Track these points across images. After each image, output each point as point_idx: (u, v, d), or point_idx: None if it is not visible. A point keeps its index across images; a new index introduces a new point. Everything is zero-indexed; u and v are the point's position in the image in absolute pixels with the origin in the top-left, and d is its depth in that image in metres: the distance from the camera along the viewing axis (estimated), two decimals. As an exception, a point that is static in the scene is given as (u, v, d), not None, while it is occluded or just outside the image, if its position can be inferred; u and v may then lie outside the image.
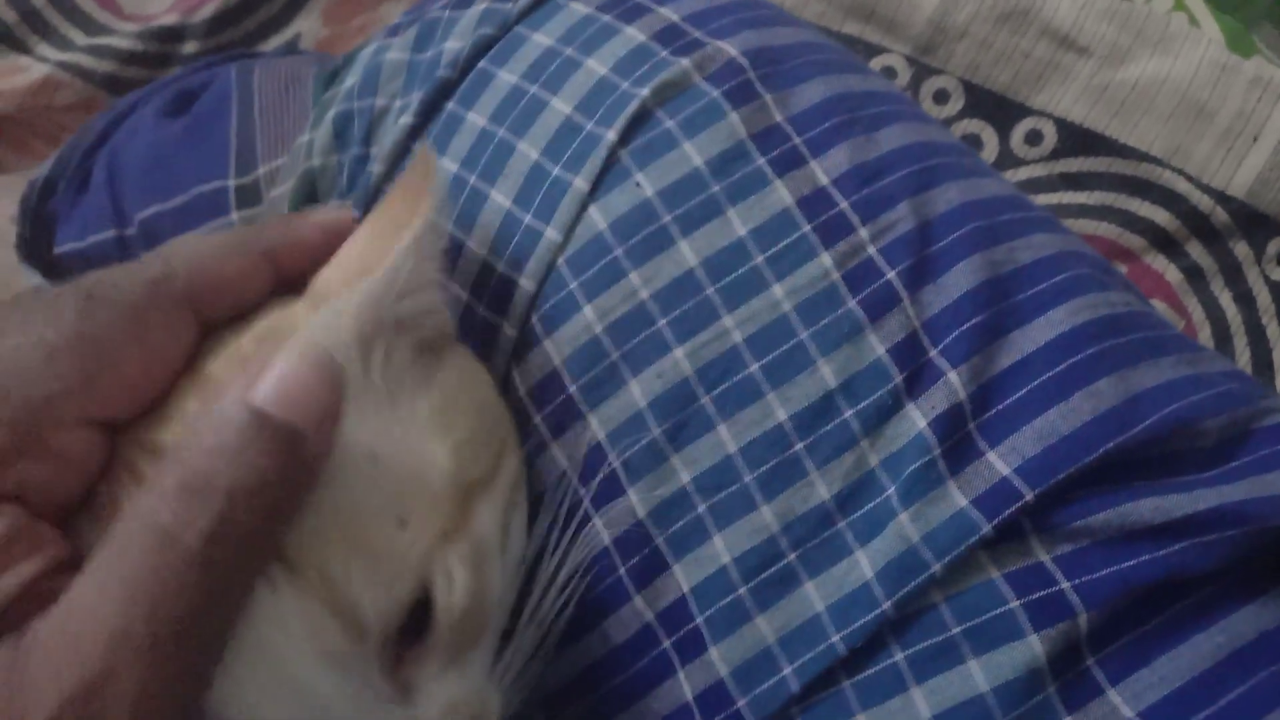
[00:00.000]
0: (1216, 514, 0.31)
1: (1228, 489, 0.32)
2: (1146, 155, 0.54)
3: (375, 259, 0.28)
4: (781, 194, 0.33)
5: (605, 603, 0.33)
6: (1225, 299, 0.54)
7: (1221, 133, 0.54)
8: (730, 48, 0.35)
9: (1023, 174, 0.56)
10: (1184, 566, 0.31)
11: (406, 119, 0.36)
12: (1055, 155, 0.56)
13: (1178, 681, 0.30)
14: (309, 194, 0.38)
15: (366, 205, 0.37)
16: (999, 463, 0.31)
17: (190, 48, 0.59)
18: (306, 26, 0.61)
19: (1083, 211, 0.55)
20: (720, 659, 0.32)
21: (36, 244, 0.44)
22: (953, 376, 0.32)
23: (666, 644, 0.33)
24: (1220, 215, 0.54)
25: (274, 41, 0.61)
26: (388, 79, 0.38)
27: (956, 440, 0.31)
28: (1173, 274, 0.55)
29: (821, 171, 0.34)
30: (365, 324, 0.27)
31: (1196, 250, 0.55)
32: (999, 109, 0.56)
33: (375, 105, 0.38)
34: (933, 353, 0.32)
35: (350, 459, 0.25)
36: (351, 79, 0.39)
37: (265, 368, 0.24)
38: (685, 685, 0.32)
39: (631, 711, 0.33)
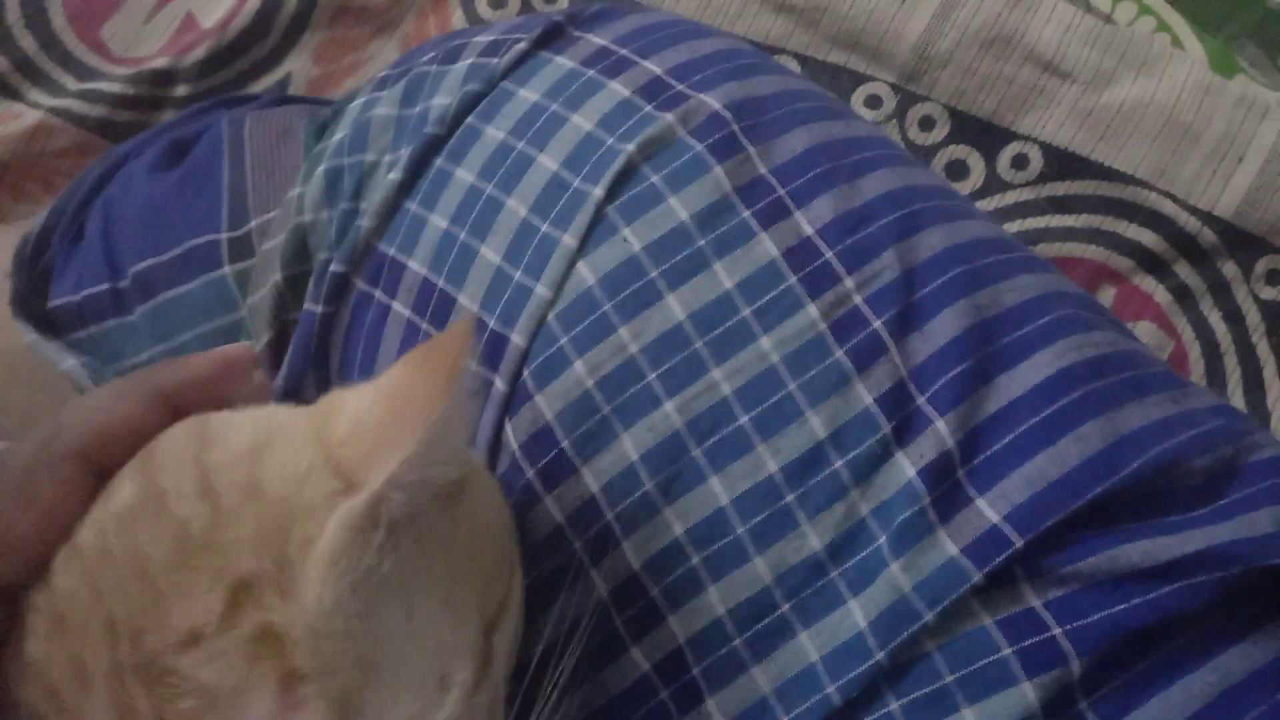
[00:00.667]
0: (1204, 556, 0.31)
1: (1215, 530, 0.32)
2: (1132, 178, 0.55)
3: (399, 421, 0.25)
4: (767, 246, 0.33)
5: (603, 654, 0.34)
6: (1215, 318, 0.55)
7: (1207, 154, 0.54)
8: (713, 101, 0.35)
9: (1010, 198, 0.56)
10: (1174, 608, 0.31)
11: (395, 174, 0.37)
12: (1042, 179, 0.56)
13: None
14: (300, 248, 0.39)
15: (353, 259, 0.37)
16: (988, 510, 0.32)
17: (182, 90, 0.59)
18: (297, 66, 0.61)
19: (1070, 234, 0.56)
20: (717, 710, 0.32)
21: (31, 298, 0.44)
22: (940, 425, 0.32)
23: (664, 694, 0.33)
24: (1207, 236, 0.54)
25: (265, 82, 0.61)
26: (377, 134, 0.38)
27: (946, 489, 0.32)
28: (1161, 295, 0.55)
29: (806, 222, 0.34)
30: (392, 507, 0.24)
31: (1185, 271, 0.55)
32: (985, 135, 0.57)
33: (365, 161, 0.38)
34: (920, 400, 0.33)
35: (391, 621, 0.24)
36: (341, 133, 0.40)
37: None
38: None
39: None
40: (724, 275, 0.33)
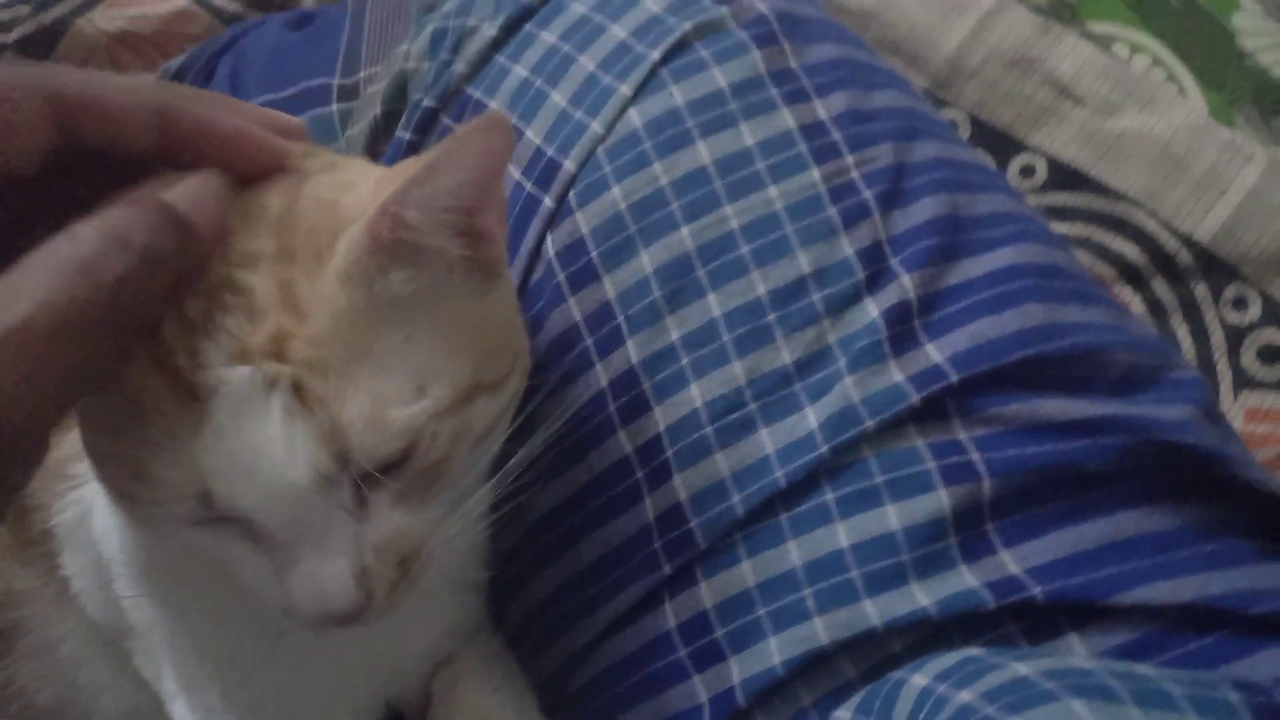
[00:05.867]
0: (1115, 421, 0.37)
1: (1127, 405, 0.38)
2: (1124, 196, 0.61)
3: (417, 164, 0.30)
4: (786, 119, 0.40)
5: (595, 436, 0.39)
6: (1183, 332, 0.60)
7: (1194, 184, 0.60)
8: (761, 5, 0.43)
9: (1014, 199, 0.63)
10: (1080, 459, 0.37)
11: (490, 31, 0.44)
12: (1045, 188, 0.63)
13: (1061, 554, 0.36)
14: (400, 89, 0.46)
15: (444, 98, 0.45)
16: (934, 353, 0.37)
17: (309, 3, 0.68)
18: None
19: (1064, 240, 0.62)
20: (681, 485, 0.38)
21: None
22: (906, 280, 0.38)
23: (639, 474, 0.39)
24: (1185, 257, 0.60)
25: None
26: (481, 4, 0.46)
27: (902, 330, 0.38)
28: (1137, 305, 0.61)
29: (823, 108, 0.41)
30: (403, 228, 0.29)
31: (1161, 287, 0.61)
32: (1000, 143, 0.64)
33: (467, 24, 0.46)
34: (892, 261, 0.39)
35: (388, 334, 0.30)
36: (449, 4, 0.47)
37: (177, 179, 0.29)
38: (649, 508, 0.38)
39: (605, 529, 0.39)
40: (747, 134, 0.40)
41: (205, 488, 0.29)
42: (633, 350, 0.39)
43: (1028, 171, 0.63)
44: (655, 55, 0.41)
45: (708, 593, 0.37)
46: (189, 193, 0.28)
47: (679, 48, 0.41)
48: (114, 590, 0.40)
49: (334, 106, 0.49)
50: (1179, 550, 0.36)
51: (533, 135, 0.42)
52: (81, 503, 0.40)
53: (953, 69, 0.64)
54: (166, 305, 0.28)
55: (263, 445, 0.29)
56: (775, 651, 0.35)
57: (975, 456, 0.36)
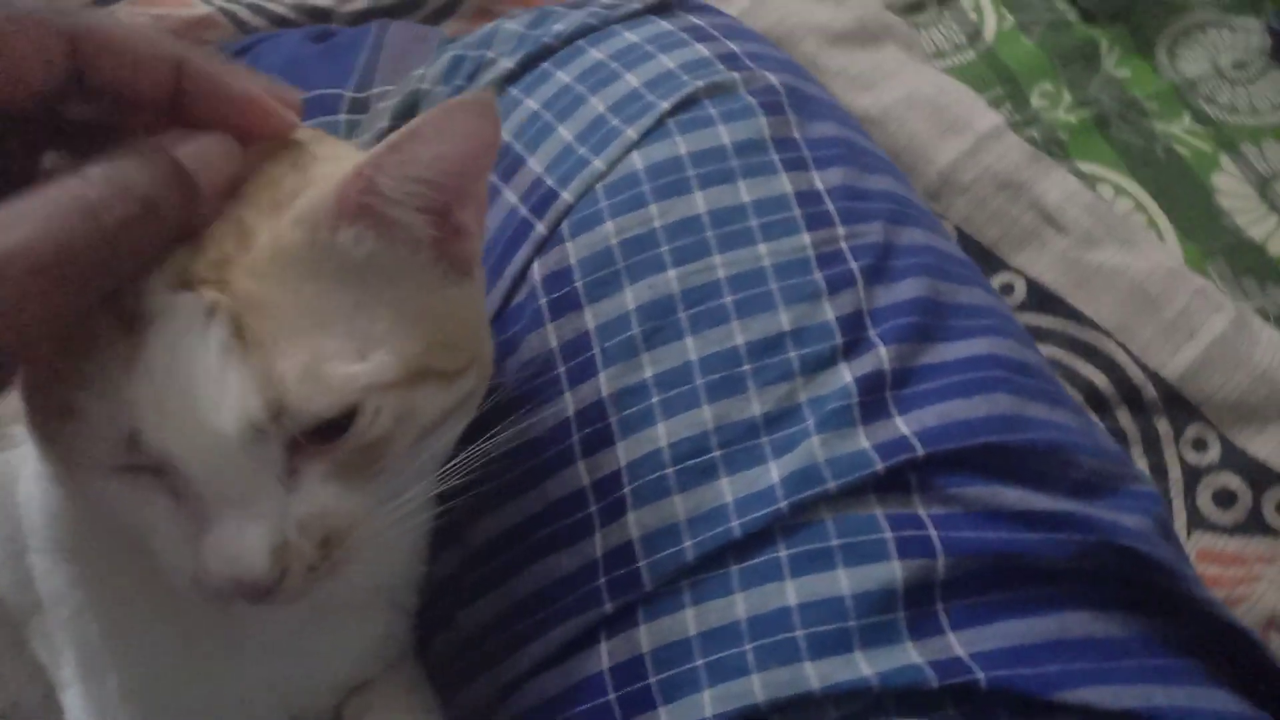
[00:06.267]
0: (1072, 517, 0.37)
1: (1086, 507, 0.38)
2: (1097, 325, 0.63)
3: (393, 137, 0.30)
4: (784, 183, 0.41)
5: (553, 464, 0.39)
6: (1141, 465, 0.61)
7: (1165, 324, 0.62)
8: (773, 78, 0.44)
9: (991, 314, 0.64)
10: (1036, 551, 0.36)
11: (508, 64, 0.45)
12: (1022, 308, 0.64)
13: (1008, 643, 0.35)
14: (411, 107, 0.47)
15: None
16: (903, 426, 0.38)
17: (333, 26, 0.69)
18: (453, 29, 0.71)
19: (1035, 359, 0.63)
20: (634, 524, 0.37)
21: None
22: (883, 351, 0.39)
23: (594, 508, 0.38)
24: (1150, 391, 0.61)
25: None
26: (502, 40, 0.47)
27: (874, 399, 0.38)
28: (1101, 432, 0.62)
29: (820, 180, 0.42)
30: (375, 196, 0.30)
31: (1125, 417, 0.62)
32: (983, 258, 0.65)
33: (486, 55, 0.47)
34: (872, 332, 0.39)
35: (337, 294, 0.30)
36: (472, 37, 0.49)
37: (189, 135, 0.29)
38: (599, 544, 0.37)
39: (550, 560, 0.38)
40: (744, 191, 0.41)
41: (134, 428, 0.28)
42: (604, 383, 0.39)
43: (1007, 289, 0.64)
44: (665, 105, 0.42)
45: (646, 636, 0.36)
46: (199, 151, 0.28)
47: (689, 102, 0.42)
48: (27, 562, 0.38)
49: (342, 116, 0.49)
50: (1125, 659, 0.36)
51: (535, 164, 0.43)
52: (7, 466, 0.39)
53: (945, 182, 0.66)
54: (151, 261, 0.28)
55: (196, 382, 0.28)
56: (708, 704, 0.34)
57: (933, 533, 0.36)
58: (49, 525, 0.37)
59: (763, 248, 0.40)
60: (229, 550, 0.29)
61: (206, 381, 0.28)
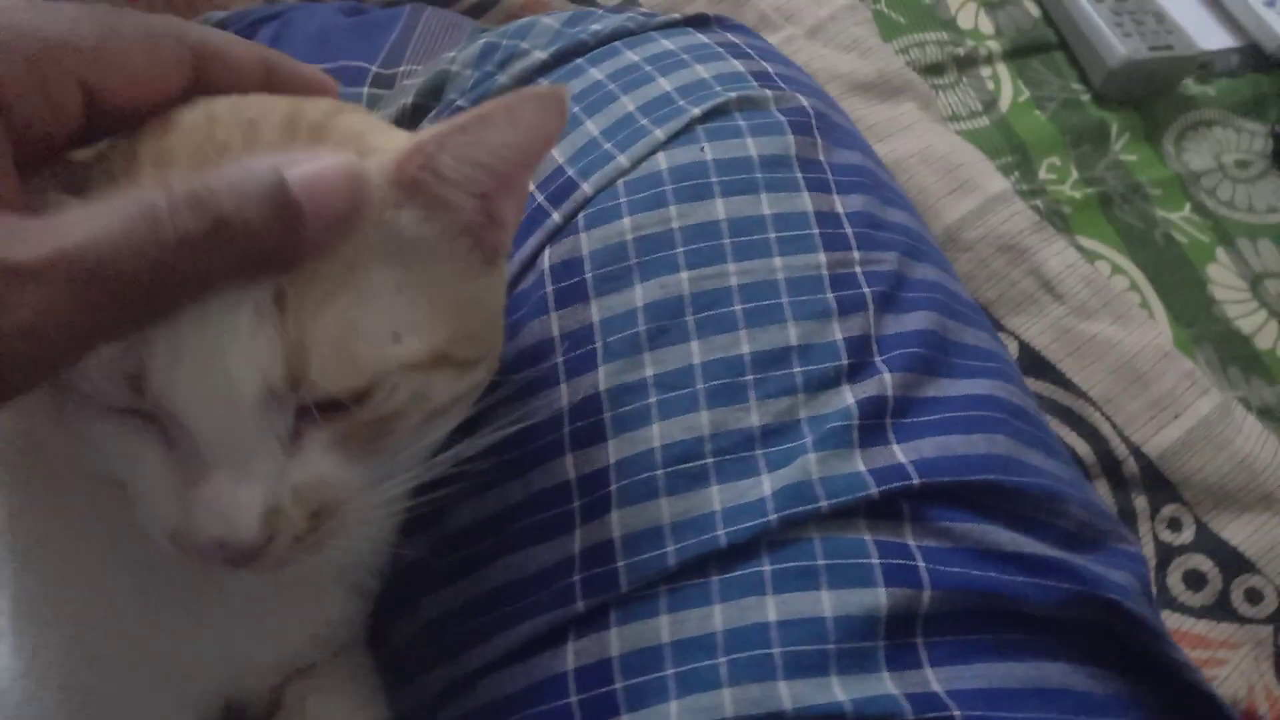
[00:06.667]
0: (1061, 565, 0.36)
1: (1075, 558, 0.37)
2: (1085, 394, 0.63)
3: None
4: (806, 201, 0.41)
5: (541, 454, 0.38)
6: (1116, 539, 0.61)
7: (1151, 401, 0.62)
8: (804, 100, 0.44)
9: (982, 372, 0.64)
10: (1022, 594, 0.36)
11: (541, 55, 0.45)
12: (1012, 370, 0.64)
13: (986, 685, 0.34)
14: (437, 86, 0.46)
15: (478, 104, 0.45)
16: (900, 454, 0.37)
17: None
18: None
19: (1021, 421, 0.63)
20: (617, 523, 0.36)
21: None
22: (888, 378, 0.38)
23: (577, 503, 0.37)
24: (1131, 466, 0.61)
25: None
26: (537, 34, 0.47)
27: (874, 424, 0.37)
28: (1079, 502, 0.62)
29: (840, 204, 0.42)
30: (433, 177, 0.29)
31: (1103, 489, 0.62)
32: (979, 317, 0.65)
33: (520, 45, 0.47)
34: (878, 358, 0.39)
35: (381, 273, 0.29)
36: (509, 27, 0.48)
37: (311, 156, 0.26)
38: (578, 540, 0.36)
39: (526, 552, 0.37)
40: (766, 204, 0.40)
41: (140, 370, 0.27)
42: (602, 377, 0.38)
43: (999, 350, 0.65)
44: (696, 111, 0.42)
45: (617, 640, 0.35)
46: (312, 174, 0.26)
47: (719, 111, 0.42)
48: None
49: (365, 89, 0.49)
50: (1102, 717, 0.35)
51: (557, 154, 0.42)
52: None
53: (949, 238, 0.67)
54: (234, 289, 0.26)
55: (222, 338, 0.27)
56: (674, 716, 0.33)
57: (921, 564, 0.35)
58: (16, 452, 0.35)
59: (778, 261, 0.39)
60: (219, 507, 0.28)
61: (234, 339, 0.27)
